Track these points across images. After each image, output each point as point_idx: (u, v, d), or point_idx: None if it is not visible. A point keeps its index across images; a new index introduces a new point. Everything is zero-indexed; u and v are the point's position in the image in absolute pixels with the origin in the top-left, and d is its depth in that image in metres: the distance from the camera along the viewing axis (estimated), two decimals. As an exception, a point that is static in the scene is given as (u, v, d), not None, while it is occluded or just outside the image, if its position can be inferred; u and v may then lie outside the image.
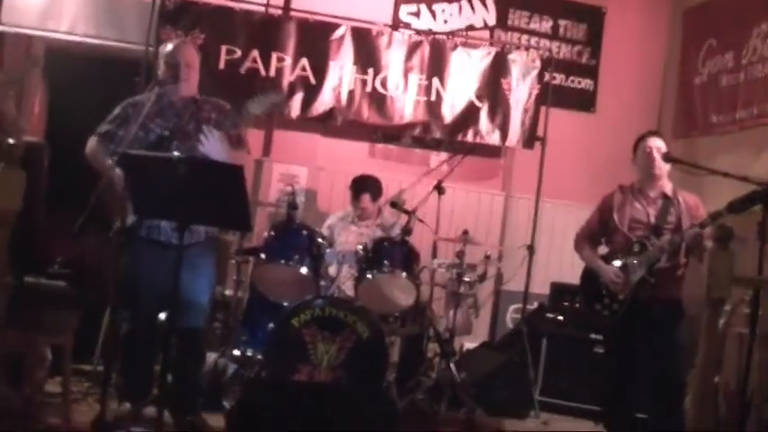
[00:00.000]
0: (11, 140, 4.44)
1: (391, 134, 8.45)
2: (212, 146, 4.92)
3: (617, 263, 5.53)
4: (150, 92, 5.26)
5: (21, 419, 4.98)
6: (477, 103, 8.28)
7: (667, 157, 5.46)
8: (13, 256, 4.52)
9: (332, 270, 6.21)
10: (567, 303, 7.41)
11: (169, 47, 5.29)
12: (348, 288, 6.09)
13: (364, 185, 6.90)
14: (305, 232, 5.74)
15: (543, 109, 8.34)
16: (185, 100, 5.20)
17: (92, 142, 5.09)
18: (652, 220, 5.50)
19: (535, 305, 7.84)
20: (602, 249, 5.79)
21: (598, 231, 5.77)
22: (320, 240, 5.78)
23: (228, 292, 6.74)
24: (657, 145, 5.53)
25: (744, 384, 4.34)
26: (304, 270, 5.57)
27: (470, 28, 8.65)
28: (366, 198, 6.86)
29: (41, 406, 5.30)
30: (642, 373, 5.46)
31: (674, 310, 5.43)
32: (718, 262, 4.20)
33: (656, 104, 8.84)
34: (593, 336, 7.07)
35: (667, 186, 5.58)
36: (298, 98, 8.05)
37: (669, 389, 5.32)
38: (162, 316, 5.42)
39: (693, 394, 4.44)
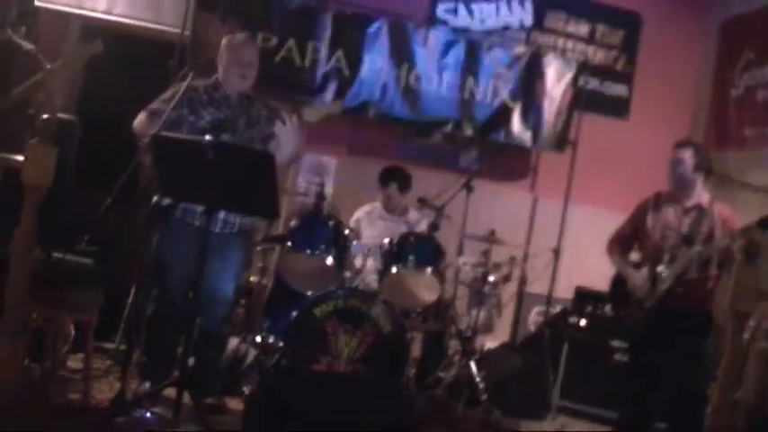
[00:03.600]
0: (44, 116, 4.47)
1: (422, 130, 8.43)
2: (288, 134, 4.99)
3: (645, 270, 5.51)
4: (205, 79, 5.29)
5: (41, 394, 5.01)
6: (510, 104, 8.26)
7: (698, 167, 5.43)
8: (41, 231, 4.55)
9: (357, 262, 6.20)
10: (590, 309, 7.38)
11: (236, 41, 5.32)
12: (372, 281, 6.09)
13: (393, 175, 6.87)
14: (331, 223, 5.74)
15: (576, 113, 8.32)
16: (241, 95, 5.24)
17: (141, 117, 5.11)
18: (684, 229, 5.44)
19: (558, 309, 7.82)
20: (635, 256, 5.76)
21: (630, 237, 5.75)
22: (346, 232, 5.78)
23: (253, 279, 6.75)
24: (684, 156, 5.49)
25: (763, 400, 4.31)
26: (329, 260, 5.57)
27: (507, 28, 8.63)
28: (393, 187, 6.82)
29: (62, 381, 5.33)
30: (663, 383, 5.42)
31: (701, 323, 5.36)
32: (745, 275, 4.18)
33: (689, 114, 8.78)
34: (615, 343, 7.04)
35: (703, 197, 5.52)
36: (331, 89, 8.05)
37: (690, 401, 5.29)
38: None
39: (713, 407, 4.42)
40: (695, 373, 5.31)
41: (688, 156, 5.48)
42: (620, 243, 5.79)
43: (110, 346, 6.18)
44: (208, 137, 4.56)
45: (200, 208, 5.00)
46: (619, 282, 5.71)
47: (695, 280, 5.33)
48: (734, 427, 5.44)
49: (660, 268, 5.42)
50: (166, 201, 4.96)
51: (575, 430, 6.65)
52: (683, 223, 5.48)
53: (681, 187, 5.52)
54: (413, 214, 6.93)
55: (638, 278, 5.52)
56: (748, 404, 5.56)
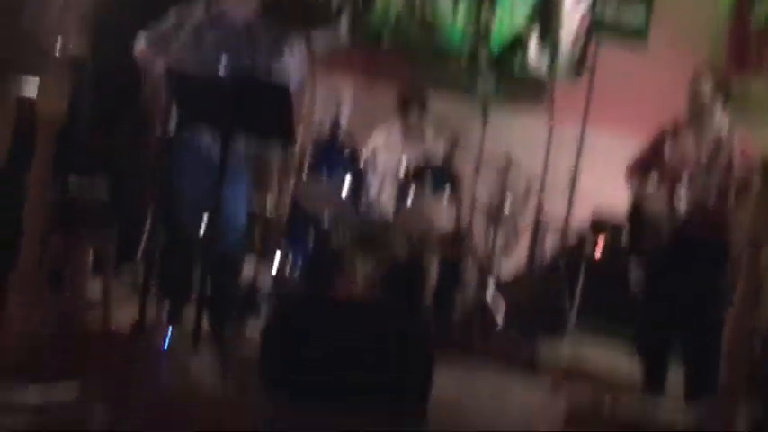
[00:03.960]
0: (56, 51, 4.46)
1: (438, 59, 8.36)
2: (294, 61, 4.96)
3: (663, 198, 5.48)
4: (204, 2, 5.22)
5: (61, 323, 5.05)
6: (527, 31, 8.18)
7: (716, 95, 5.38)
8: (57, 164, 4.56)
9: (373, 189, 6.20)
10: (607, 236, 7.37)
11: None
12: (389, 208, 6.08)
13: (412, 101, 6.84)
14: (347, 149, 5.73)
15: (593, 40, 8.23)
16: (246, 21, 5.17)
17: (141, 42, 5.07)
18: (703, 156, 5.41)
19: (575, 237, 7.81)
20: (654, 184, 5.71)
21: (649, 162, 5.69)
22: (363, 159, 5.77)
23: (269, 206, 6.76)
24: (703, 83, 5.43)
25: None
26: (345, 187, 5.57)
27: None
28: (414, 114, 6.80)
29: (82, 310, 5.38)
30: (681, 310, 5.45)
31: (718, 251, 5.35)
32: (763, 202, 4.15)
33: (709, 40, 8.66)
34: (631, 269, 7.04)
35: (723, 124, 5.46)
36: (345, 18, 7.98)
37: (707, 328, 5.29)
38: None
39: (729, 333, 4.42)
40: (713, 300, 5.31)
41: (707, 83, 5.42)
42: (639, 169, 5.74)
43: (128, 272, 6.22)
44: (220, 64, 4.53)
45: (205, 137, 5.01)
46: (636, 209, 5.68)
47: (713, 208, 5.32)
48: (750, 353, 5.45)
49: (678, 195, 5.40)
50: (172, 130, 4.95)
51: (591, 357, 6.68)
52: (702, 150, 5.43)
53: (699, 115, 5.46)
54: (429, 138, 6.89)
55: (656, 206, 5.49)
56: (764, 330, 5.58)
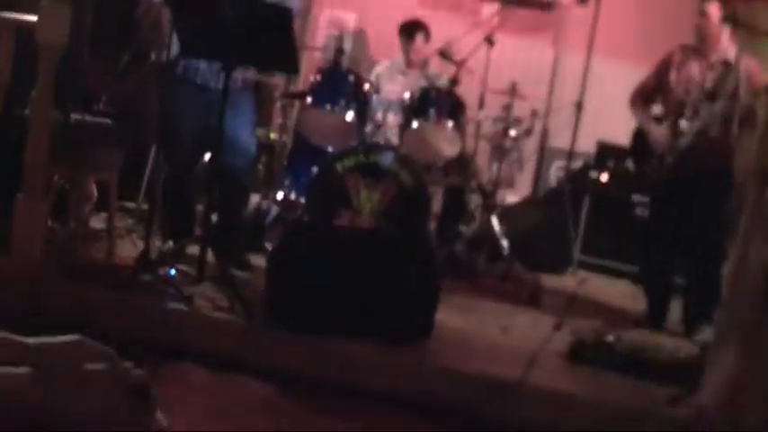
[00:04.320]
0: None
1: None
2: None
3: (667, 125, 5.43)
4: None
5: (66, 254, 5.06)
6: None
7: (725, 19, 5.31)
8: (59, 93, 4.53)
9: (377, 117, 6.15)
10: (612, 163, 7.34)
11: None
12: (393, 136, 6.05)
13: (416, 26, 6.77)
14: (351, 77, 5.66)
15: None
16: None
17: None
18: (708, 84, 5.32)
19: (580, 163, 7.79)
20: (658, 110, 5.66)
21: (654, 90, 5.62)
22: (366, 86, 5.71)
23: (273, 136, 6.73)
24: (710, 8, 5.31)
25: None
26: (349, 116, 5.52)
27: None
28: (419, 39, 6.73)
29: (86, 241, 5.39)
30: (683, 238, 5.44)
31: (721, 180, 5.21)
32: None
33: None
34: (636, 197, 7.04)
35: (730, 51, 5.36)
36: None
37: (709, 257, 5.28)
38: (206, 157, 5.48)
39: (732, 263, 4.40)
40: (715, 229, 5.28)
41: (714, 8, 5.33)
42: (643, 97, 5.68)
43: (132, 205, 6.22)
44: None
45: (202, 64, 4.97)
46: (640, 136, 5.62)
47: (716, 137, 5.26)
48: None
49: (682, 123, 5.34)
50: (173, 58, 4.91)
51: (594, 286, 6.70)
52: (708, 78, 5.35)
53: (706, 41, 5.39)
54: (433, 69, 6.84)
55: (660, 132, 5.44)
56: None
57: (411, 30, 6.75)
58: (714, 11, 5.31)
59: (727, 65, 5.33)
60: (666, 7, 7.93)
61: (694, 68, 5.41)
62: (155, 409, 2.87)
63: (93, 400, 2.75)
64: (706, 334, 4.97)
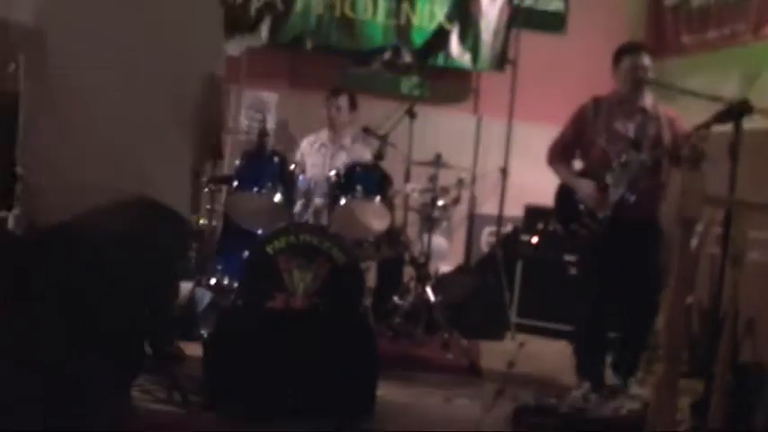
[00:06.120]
0: None
1: (361, 59, 8.37)
2: None
3: (593, 179, 5.29)
4: None
5: None
6: (447, 26, 8.24)
7: (643, 79, 5.28)
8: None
9: (305, 196, 6.16)
10: (541, 225, 7.42)
11: None
12: (321, 214, 6.05)
13: (342, 89, 6.84)
14: (276, 159, 5.67)
15: (514, 31, 8.30)
16: None
17: None
18: (631, 134, 5.24)
19: (510, 228, 7.86)
20: (578, 165, 5.57)
21: (572, 145, 5.50)
22: (292, 167, 5.73)
23: (202, 222, 6.69)
24: (645, 60, 5.26)
25: (716, 304, 4.36)
26: (277, 197, 5.52)
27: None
28: (344, 100, 6.77)
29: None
30: (619, 292, 5.34)
31: (654, 230, 5.21)
32: (690, 182, 4.18)
33: (626, 24, 8.76)
34: (567, 257, 7.10)
35: (647, 100, 5.32)
36: (266, 24, 7.96)
37: (643, 310, 5.25)
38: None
39: (665, 314, 4.44)
40: (648, 282, 5.18)
41: (647, 59, 5.27)
42: (562, 152, 5.55)
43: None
44: None
45: None
46: (563, 194, 5.50)
47: (646, 187, 5.16)
48: (689, 331, 5.51)
49: (609, 176, 5.23)
50: None
51: (533, 349, 6.70)
52: (629, 128, 5.26)
53: (636, 91, 5.28)
54: (357, 148, 6.84)
55: (587, 188, 5.30)
56: (702, 308, 5.62)
57: (336, 92, 6.79)
58: (648, 60, 5.25)
59: (645, 112, 5.28)
60: (582, 66, 8.10)
61: (615, 119, 5.31)
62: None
63: None
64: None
